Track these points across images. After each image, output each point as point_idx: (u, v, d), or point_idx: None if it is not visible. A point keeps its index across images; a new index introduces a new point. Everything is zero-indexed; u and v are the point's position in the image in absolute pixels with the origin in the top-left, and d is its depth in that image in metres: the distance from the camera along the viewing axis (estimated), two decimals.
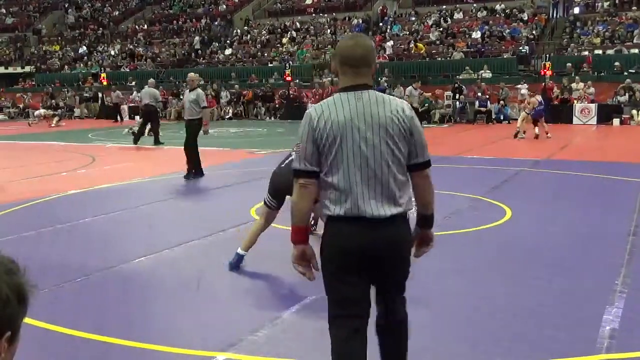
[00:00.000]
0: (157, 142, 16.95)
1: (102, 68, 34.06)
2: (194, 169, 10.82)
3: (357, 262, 2.70)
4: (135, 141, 16.94)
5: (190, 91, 11.10)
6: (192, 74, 11.58)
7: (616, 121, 21.55)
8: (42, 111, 27.43)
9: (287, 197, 5.65)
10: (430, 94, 24.26)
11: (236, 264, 5.51)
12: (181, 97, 22.53)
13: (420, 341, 4.04)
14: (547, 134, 16.63)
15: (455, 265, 5.63)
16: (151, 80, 18.84)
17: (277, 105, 27.53)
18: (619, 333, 4.00)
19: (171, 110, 27.96)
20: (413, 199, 2.80)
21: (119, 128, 23.45)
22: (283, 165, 5.59)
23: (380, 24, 33.47)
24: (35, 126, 25.75)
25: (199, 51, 35.50)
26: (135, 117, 22.69)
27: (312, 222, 6.54)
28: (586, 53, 25.96)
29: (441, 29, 30.79)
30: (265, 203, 5.60)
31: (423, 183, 2.79)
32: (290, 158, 5.61)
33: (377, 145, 2.64)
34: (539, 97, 17.50)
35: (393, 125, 2.65)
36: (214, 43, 35.85)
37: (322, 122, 2.65)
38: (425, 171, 2.77)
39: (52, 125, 25.56)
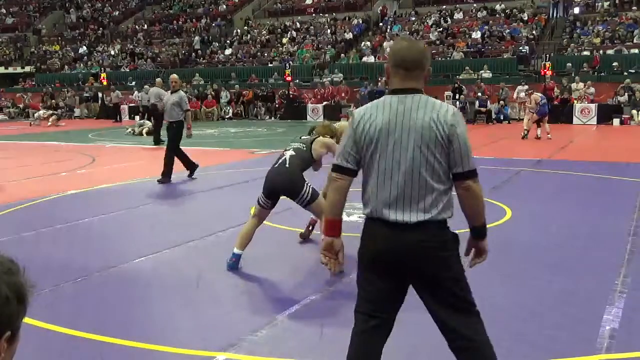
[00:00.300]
0: (157, 141, 16.97)
1: (102, 68, 34.05)
2: (164, 173, 10.41)
3: (384, 264, 2.71)
4: (157, 142, 17.02)
5: (172, 93, 10.88)
6: (174, 75, 11.39)
7: (616, 121, 21.55)
8: (41, 112, 27.44)
9: (282, 197, 5.63)
10: None
11: (234, 264, 5.49)
12: None
13: (419, 341, 4.04)
14: (547, 134, 16.61)
15: None
16: (158, 79, 18.98)
17: (277, 105, 27.54)
18: (619, 333, 4.00)
19: None
20: (449, 207, 2.72)
21: (119, 128, 23.46)
22: (277, 165, 5.56)
23: (380, 24, 33.49)
24: (35, 126, 25.76)
25: (199, 51, 35.50)
26: (135, 117, 22.69)
27: (310, 228, 6.52)
28: (587, 53, 25.95)
29: (441, 29, 30.80)
30: (258, 202, 5.57)
31: (465, 194, 2.71)
32: (283, 157, 5.59)
33: (410, 151, 2.62)
34: (539, 94, 17.38)
35: (430, 131, 2.61)
36: (214, 43, 35.85)
37: (362, 123, 2.70)
38: (467, 182, 2.67)
39: (48, 124, 25.51)
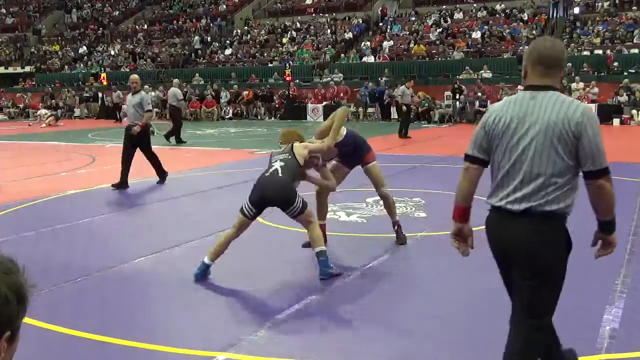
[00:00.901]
0: (176, 141, 17.30)
1: (102, 68, 34.05)
2: (160, 173, 10.37)
3: (502, 253, 2.89)
4: (178, 141, 17.23)
5: (133, 94, 10.30)
6: (134, 75, 10.87)
7: (616, 121, 21.54)
8: (43, 112, 27.44)
9: (269, 208, 5.34)
10: (421, 93, 24.31)
11: (202, 274, 5.21)
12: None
13: (419, 341, 4.04)
14: None
15: (455, 265, 5.63)
16: (175, 80, 19.22)
17: (277, 105, 27.53)
18: (619, 333, 4.00)
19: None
20: (569, 203, 2.79)
21: (119, 128, 23.44)
22: (268, 174, 5.32)
23: (380, 24, 33.48)
24: (35, 126, 25.74)
25: (199, 51, 35.50)
26: None
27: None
28: (587, 53, 25.92)
29: (441, 29, 30.79)
30: (242, 209, 5.27)
31: (595, 192, 2.76)
32: (273, 168, 5.35)
33: (535, 145, 2.72)
34: None
35: (556, 127, 2.68)
36: (214, 43, 35.85)
37: (492, 117, 2.85)
38: (599, 181, 2.71)
39: (44, 125, 25.47)
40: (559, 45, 2.92)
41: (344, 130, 6.09)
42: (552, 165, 2.70)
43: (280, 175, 5.26)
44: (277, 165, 5.38)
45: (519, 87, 23.19)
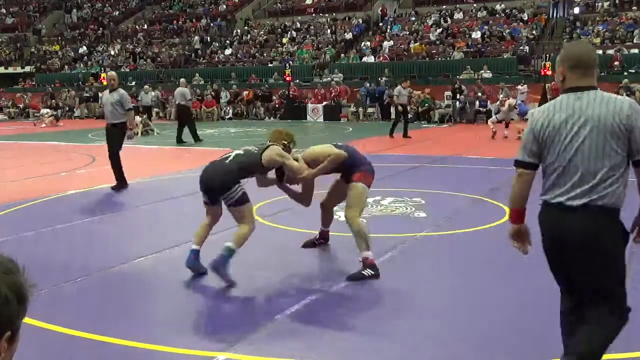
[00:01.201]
0: (195, 139, 17.31)
1: (102, 68, 34.03)
2: (119, 179, 9.79)
3: (558, 247, 3.02)
4: (179, 142, 17.29)
5: (110, 92, 9.82)
6: (112, 72, 10.48)
7: None
8: (46, 111, 27.46)
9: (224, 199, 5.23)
10: (419, 91, 24.31)
11: (192, 261, 5.29)
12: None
13: (419, 341, 4.04)
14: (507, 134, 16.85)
15: (455, 265, 5.64)
16: (182, 80, 19.22)
17: (277, 105, 27.53)
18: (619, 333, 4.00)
19: (171, 110, 27.96)
20: (623, 195, 2.96)
21: None
22: (217, 160, 5.33)
23: (380, 24, 33.48)
24: (37, 125, 25.71)
25: (199, 51, 35.51)
26: (135, 117, 22.68)
27: (320, 240, 6.24)
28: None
29: (441, 29, 30.79)
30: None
31: None
32: (228, 155, 5.33)
33: (589, 144, 2.88)
34: (514, 100, 18.05)
35: (607, 123, 2.85)
36: (214, 43, 35.85)
37: (540, 121, 3.00)
38: None
39: (43, 125, 25.45)
40: (591, 48, 3.20)
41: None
42: (608, 160, 2.87)
43: (227, 162, 5.26)
44: (235, 152, 5.37)
45: (519, 87, 23.26)
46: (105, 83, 30.85)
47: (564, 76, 3.02)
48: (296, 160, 5.47)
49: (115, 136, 9.78)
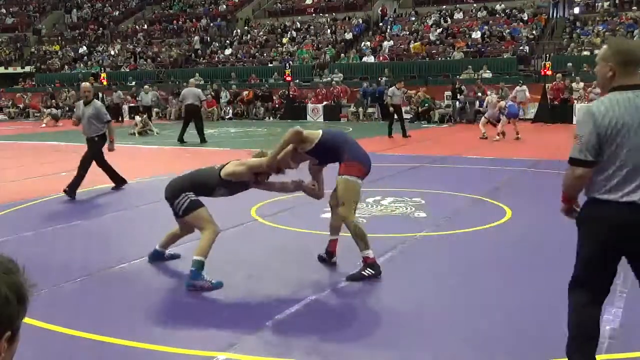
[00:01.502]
0: (202, 140, 17.26)
1: (102, 68, 34.05)
2: (117, 179, 9.85)
3: (615, 240, 3.07)
4: (203, 139, 17.28)
5: (85, 105, 9.43)
6: (86, 84, 9.91)
7: None
8: (48, 111, 27.51)
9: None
10: (415, 91, 24.31)
11: (152, 257, 5.70)
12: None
13: (419, 341, 4.04)
14: (517, 134, 16.88)
15: (455, 266, 5.63)
16: (192, 80, 19.19)
17: (277, 105, 27.54)
18: (619, 333, 4.01)
19: (171, 110, 28.01)
20: None
21: (119, 128, 23.42)
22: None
23: (380, 24, 33.49)
24: (38, 125, 25.71)
25: (199, 51, 35.51)
26: (135, 117, 22.69)
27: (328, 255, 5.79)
28: (587, 53, 25.90)
29: (441, 29, 30.80)
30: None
31: None
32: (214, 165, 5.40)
33: None
34: (504, 101, 18.10)
35: None
36: (214, 43, 35.86)
37: (606, 119, 2.96)
38: None
39: (43, 125, 25.45)
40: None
41: (317, 138, 5.28)
42: None
43: (182, 175, 5.47)
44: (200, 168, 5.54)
45: (518, 87, 23.24)
46: (105, 83, 31.02)
47: (614, 72, 3.01)
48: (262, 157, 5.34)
49: (94, 148, 9.57)
